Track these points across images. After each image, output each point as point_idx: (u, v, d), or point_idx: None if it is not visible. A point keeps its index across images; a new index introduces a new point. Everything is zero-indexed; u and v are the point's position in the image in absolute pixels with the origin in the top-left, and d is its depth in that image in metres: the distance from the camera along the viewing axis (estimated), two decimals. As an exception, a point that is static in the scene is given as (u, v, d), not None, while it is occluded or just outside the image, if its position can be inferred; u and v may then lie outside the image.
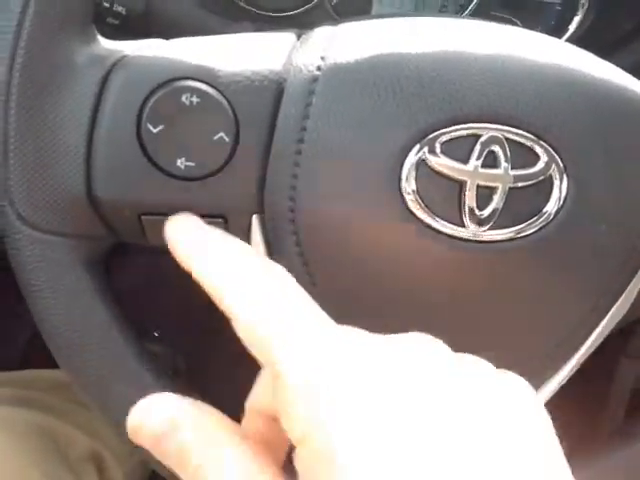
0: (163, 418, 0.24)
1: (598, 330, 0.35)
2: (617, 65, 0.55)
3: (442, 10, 0.59)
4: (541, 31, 0.60)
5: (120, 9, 0.38)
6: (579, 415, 0.50)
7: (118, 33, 0.40)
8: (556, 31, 0.59)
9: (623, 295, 0.34)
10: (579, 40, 0.58)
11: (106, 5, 0.38)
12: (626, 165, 0.31)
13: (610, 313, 0.34)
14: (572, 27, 0.58)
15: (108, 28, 0.39)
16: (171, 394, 0.25)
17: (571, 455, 0.36)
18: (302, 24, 0.34)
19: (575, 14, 0.58)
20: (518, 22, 0.60)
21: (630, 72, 0.54)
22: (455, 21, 0.33)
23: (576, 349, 0.35)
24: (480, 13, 0.59)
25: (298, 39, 0.32)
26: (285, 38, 0.32)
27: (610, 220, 0.31)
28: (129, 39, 0.32)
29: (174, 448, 0.23)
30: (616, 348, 0.64)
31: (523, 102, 0.30)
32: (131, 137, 0.29)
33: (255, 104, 0.30)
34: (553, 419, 0.23)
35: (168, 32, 0.35)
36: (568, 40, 0.58)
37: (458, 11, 0.59)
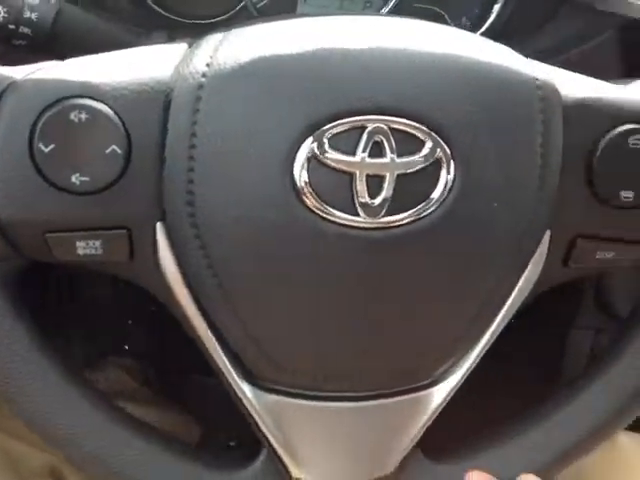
0: None
1: (508, 304, 0.36)
2: (539, 47, 0.57)
3: (366, 6, 0.60)
4: (466, 20, 0.62)
5: (26, 30, 0.39)
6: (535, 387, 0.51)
7: (30, 53, 0.41)
8: (481, 19, 0.60)
9: (529, 265, 0.35)
10: (504, 25, 0.59)
11: (12, 27, 0.39)
12: (511, 143, 0.32)
13: (518, 286, 0.35)
14: (494, 14, 0.59)
15: (18, 49, 0.40)
16: None
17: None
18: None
19: (496, 1, 0.59)
20: (443, 13, 0.62)
21: (551, 53, 0.55)
22: (346, 18, 0.34)
23: (487, 325, 0.36)
24: (404, 6, 0.60)
25: (190, 48, 0.33)
26: (175, 48, 0.33)
27: (501, 198, 0.32)
28: (41, 59, 0.33)
29: None
30: (566, 321, 0.65)
31: (402, 91, 0.31)
32: (24, 158, 0.30)
33: (144, 115, 0.31)
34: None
35: (78, 50, 0.36)
36: (491, 27, 0.59)
37: (382, 6, 0.60)
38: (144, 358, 0.80)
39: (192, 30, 0.54)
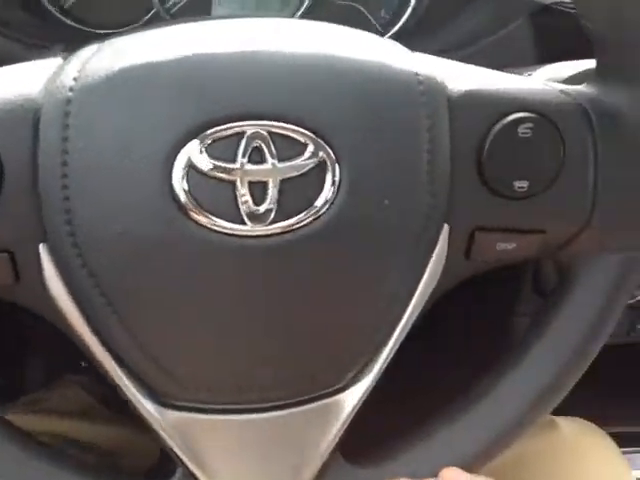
0: None
1: (414, 302, 0.35)
2: (456, 36, 0.56)
3: (283, 6, 0.59)
4: (385, 13, 0.62)
5: None
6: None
7: None
8: (399, 11, 0.60)
9: (431, 260, 0.34)
10: (422, 17, 0.59)
11: None
12: (396, 140, 0.32)
13: (422, 282, 0.35)
14: (411, 5, 0.59)
15: None
16: None
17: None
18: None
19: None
20: (362, 8, 0.61)
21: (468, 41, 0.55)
22: (222, 22, 0.34)
23: (394, 325, 0.35)
24: (322, 3, 0.59)
25: (64, 61, 0.32)
26: (49, 63, 0.32)
27: (392, 195, 0.32)
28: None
29: None
30: (506, 309, 0.65)
31: (280, 95, 0.30)
32: None
33: (14, 135, 0.30)
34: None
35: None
36: (409, 18, 0.59)
37: (299, 5, 0.59)
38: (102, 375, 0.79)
39: (101, 41, 0.53)
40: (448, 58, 0.37)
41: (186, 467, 0.36)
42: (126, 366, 0.33)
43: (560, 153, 0.34)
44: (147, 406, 0.34)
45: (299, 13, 0.58)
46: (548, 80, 0.40)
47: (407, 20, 0.59)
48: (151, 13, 0.56)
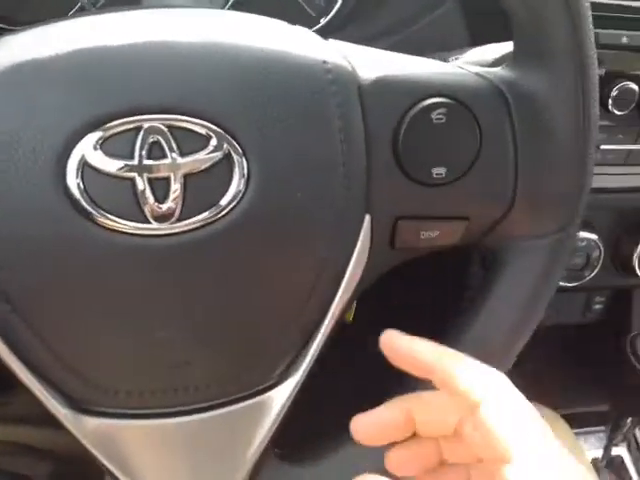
0: None
1: (339, 294, 0.34)
2: (390, 21, 0.56)
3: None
4: (319, 1, 0.61)
5: None
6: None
7: None
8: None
9: (355, 251, 0.34)
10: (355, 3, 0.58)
11: None
12: (306, 130, 0.31)
13: (347, 274, 0.34)
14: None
15: None
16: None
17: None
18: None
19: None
20: (300, 1, 0.60)
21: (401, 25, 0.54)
22: (118, 14, 0.32)
23: (320, 318, 0.34)
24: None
25: None
26: None
27: (305, 187, 0.31)
28: None
29: None
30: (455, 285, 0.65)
31: (178, 87, 0.29)
32: None
33: None
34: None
35: None
36: (343, 5, 0.58)
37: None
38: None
39: None
40: (380, 44, 0.37)
41: (112, 475, 0.35)
42: (40, 373, 0.32)
43: (476, 137, 0.33)
44: (65, 413, 0.33)
45: (230, 3, 0.57)
46: (474, 63, 0.39)
47: (341, 7, 0.58)
48: (76, 7, 0.54)
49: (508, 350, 0.39)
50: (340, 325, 0.36)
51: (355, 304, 0.51)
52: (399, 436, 0.34)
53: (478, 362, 0.33)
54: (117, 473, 0.35)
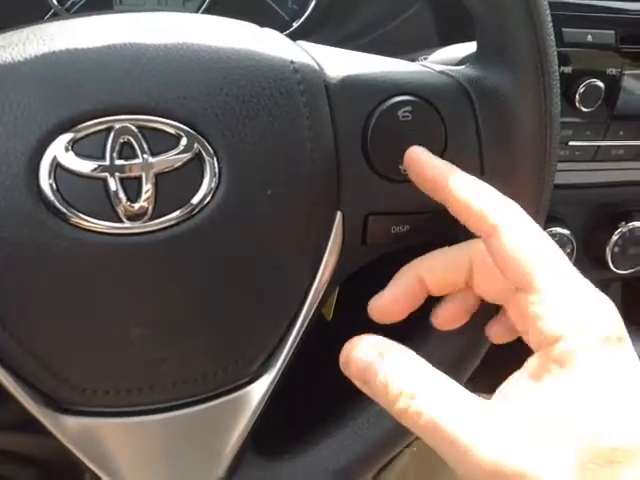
0: (369, 349, 0.31)
1: (313, 290, 0.35)
2: (361, 23, 0.56)
3: (186, 2, 0.59)
4: (292, 4, 0.61)
5: None
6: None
7: None
8: (306, 2, 0.60)
9: (327, 248, 0.34)
10: (327, 6, 0.59)
11: None
12: (275, 129, 0.31)
13: (320, 271, 0.35)
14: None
15: None
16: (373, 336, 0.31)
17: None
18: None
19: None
20: (274, 5, 0.61)
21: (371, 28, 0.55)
22: (92, 18, 0.33)
23: (294, 313, 0.35)
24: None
25: None
26: None
27: (275, 185, 0.32)
28: None
29: (378, 377, 0.30)
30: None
31: (148, 87, 0.29)
32: None
33: None
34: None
35: None
36: (315, 8, 0.58)
37: (203, 1, 0.58)
38: None
39: None
40: (351, 46, 0.37)
41: (94, 473, 0.35)
42: (16, 373, 0.32)
43: (441, 134, 0.34)
44: (44, 413, 0.33)
45: (204, 7, 0.58)
46: (440, 62, 0.40)
47: (313, 10, 0.58)
48: (50, 13, 0.55)
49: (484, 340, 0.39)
50: (317, 320, 0.37)
51: (335, 301, 0.52)
52: (416, 303, 0.36)
53: (492, 188, 0.32)
54: (98, 472, 0.35)
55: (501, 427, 0.27)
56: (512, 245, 0.30)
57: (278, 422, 0.39)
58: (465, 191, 0.31)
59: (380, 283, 0.36)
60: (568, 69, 0.53)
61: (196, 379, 0.34)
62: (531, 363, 0.29)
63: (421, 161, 0.33)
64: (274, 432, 0.39)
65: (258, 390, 0.36)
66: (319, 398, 0.43)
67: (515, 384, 0.30)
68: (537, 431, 0.27)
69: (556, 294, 0.29)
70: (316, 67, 0.33)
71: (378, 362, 0.30)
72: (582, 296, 0.29)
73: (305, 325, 0.36)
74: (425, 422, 0.28)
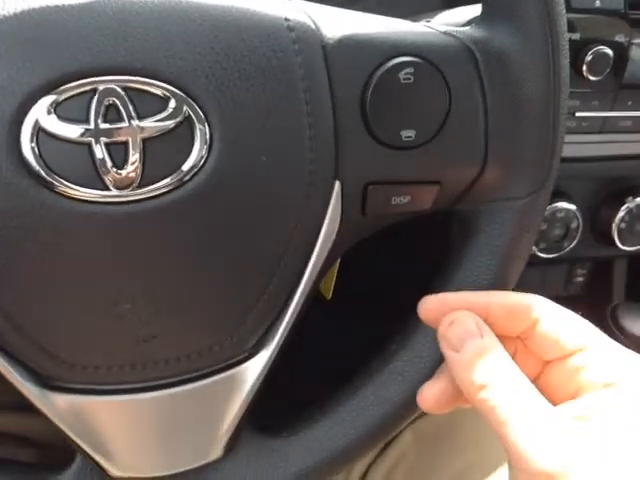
0: (474, 321, 0.32)
1: (311, 264, 0.33)
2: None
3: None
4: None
5: None
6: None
7: None
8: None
9: (326, 219, 0.33)
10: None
11: None
12: (269, 91, 0.30)
13: (318, 243, 0.33)
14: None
15: None
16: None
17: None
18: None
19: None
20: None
21: None
22: None
23: (292, 288, 0.34)
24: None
25: None
26: None
27: (270, 151, 0.30)
28: None
29: (470, 353, 0.31)
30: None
31: (131, 47, 0.28)
32: None
33: None
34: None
35: None
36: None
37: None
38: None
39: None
40: (353, 8, 0.36)
41: (85, 452, 0.34)
42: (3, 349, 0.31)
43: (445, 98, 0.32)
44: (33, 391, 0.32)
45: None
46: (444, 24, 0.38)
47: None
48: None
49: None
50: (315, 297, 0.35)
51: (335, 279, 0.51)
52: None
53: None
54: (89, 450, 0.34)
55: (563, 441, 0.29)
56: (557, 325, 0.33)
57: (276, 400, 0.38)
58: (504, 301, 0.34)
59: (381, 264, 0.35)
60: (575, 36, 0.51)
61: (190, 356, 0.33)
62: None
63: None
64: (272, 410, 0.38)
65: (255, 367, 0.35)
66: (318, 376, 0.42)
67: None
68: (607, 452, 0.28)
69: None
70: (312, 26, 0.31)
71: (478, 339, 0.32)
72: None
73: (304, 299, 0.34)
74: (496, 418, 0.30)
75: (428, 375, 0.37)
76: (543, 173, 0.35)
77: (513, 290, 0.43)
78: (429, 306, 0.35)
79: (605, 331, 0.83)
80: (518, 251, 0.37)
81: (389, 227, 0.37)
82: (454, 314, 0.33)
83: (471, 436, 0.55)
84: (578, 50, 0.51)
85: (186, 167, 0.29)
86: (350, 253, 0.37)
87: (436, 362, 0.37)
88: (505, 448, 0.30)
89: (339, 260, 0.48)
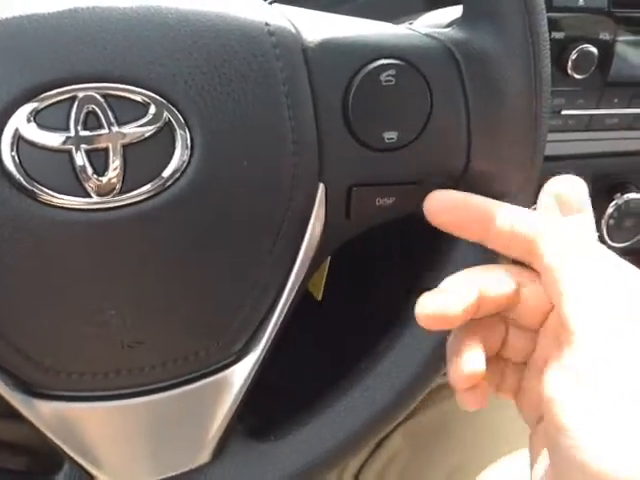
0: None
1: (297, 266, 0.33)
2: None
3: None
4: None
5: None
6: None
7: None
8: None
9: (310, 222, 0.33)
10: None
11: None
12: (250, 96, 0.30)
13: (303, 246, 0.33)
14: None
15: None
16: None
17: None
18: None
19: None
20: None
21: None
22: None
23: (278, 292, 0.34)
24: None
25: None
26: None
27: (251, 156, 0.30)
28: None
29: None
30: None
31: (109, 54, 0.28)
32: None
33: None
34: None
35: None
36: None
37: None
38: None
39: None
40: (334, 12, 0.36)
41: (72, 459, 0.34)
42: None
43: (427, 99, 0.32)
44: (18, 398, 0.32)
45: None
46: (429, 27, 0.38)
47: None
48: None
49: None
50: (305, 298, 0.36)
51: (324, 282, 0.51)
52: (466, 316, 0.31)
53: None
54: (76, 457, 0.34)
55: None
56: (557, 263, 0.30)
57: (265, 403, 0.38)
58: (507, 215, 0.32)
59: (371, 264, 0.35)
60: (560, 35, 0.51)
61: (176, 361, 0.33)
62: None
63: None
64: (262, 413, 0.38)
65: (242, 370, 0.35)
66: (309, 378, 0.42)
67: None
68: None
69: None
70: (293, 30, 0.31)
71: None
72: None
73: (290, 302, 0.34)
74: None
75: (416, 375, 0.37)
76: (526, 171, 0.36)
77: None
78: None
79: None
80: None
81: (379, 228, 0.37)
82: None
83: (461, 436, 0.56)
84: (563, 49, 0.51)
85: (167, 172, 0.29)
86: (340, 254, 0.37)
87: (424, 362, 0.37)
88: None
89: (328, 261, 0.48)
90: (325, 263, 0.49)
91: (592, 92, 0.55)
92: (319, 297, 0.52)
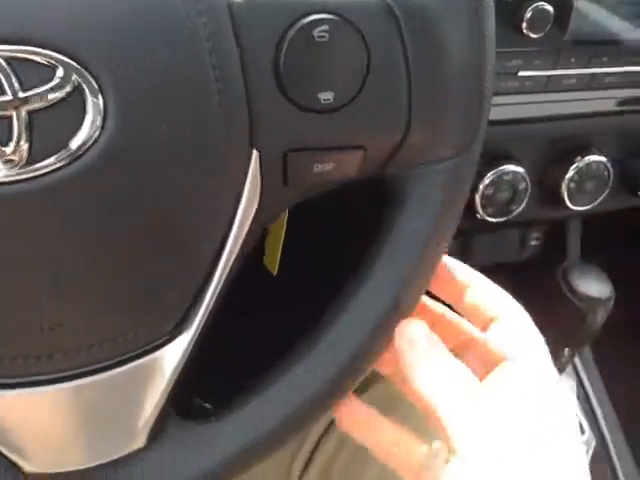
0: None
1: (232, 238, 0.31)
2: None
3: None
4: None
5: None
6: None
7: None
8: None
9: (245, 191, 0.31)
10: None
11: None
12: (167, 55, 0.27)
13: (238, 216, 0.31)
14: None
15: None
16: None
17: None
18: None
19: None
20: None
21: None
22: None
23: (211, 265, 0.32)
24: None
25: None
26: None
27: (172, 120, 0.28)
28: None
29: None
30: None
31: (10, 14, 0.25)
32: None
33: None
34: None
35: None
36: None
37: None
38: None
39: None
40: None
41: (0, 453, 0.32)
42: None
43: (364, 57, 0.30)
44: None
45: None
46: None
47: None
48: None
49: (416, 290, 0.37)
50: (237, 278, 0.34)
51: (280, 254, 0.49)
52: None
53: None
54: (3, 449, 0.32)
55: None
56: None
57: (205, 383, 0.36)
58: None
59: (316, 237, 0.33)
60: (513, -7, 0.49)
61: (102, 343, 0.31)
62: None
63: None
64: (200, 394, 0.37)
65: (175, 352, 0.33)
66: (254, 357, 0.40)
67: None
68: None
69: None
70: None
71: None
72: None
73: (225, 276, 0.32)
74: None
75: (359, 350, 0.36)
76: (470, 133, 0.34)
77: (465, 258, 0.42)
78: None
79: (556, 292, 0.83)
80: (448, 213, 0.35)
81: (324, 202, 0.35)
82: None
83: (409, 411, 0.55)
84: (517, 7, 0.49)
85: (77, 141, 0.26)
86: (293, 227, 0.35)
87: (367, 337, 0.36)
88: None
89: (283, 235, 0.46)
90: (280, 237, 0.47)
91: (549, 52, 0.53)
92: (274, 271, 0.50)
